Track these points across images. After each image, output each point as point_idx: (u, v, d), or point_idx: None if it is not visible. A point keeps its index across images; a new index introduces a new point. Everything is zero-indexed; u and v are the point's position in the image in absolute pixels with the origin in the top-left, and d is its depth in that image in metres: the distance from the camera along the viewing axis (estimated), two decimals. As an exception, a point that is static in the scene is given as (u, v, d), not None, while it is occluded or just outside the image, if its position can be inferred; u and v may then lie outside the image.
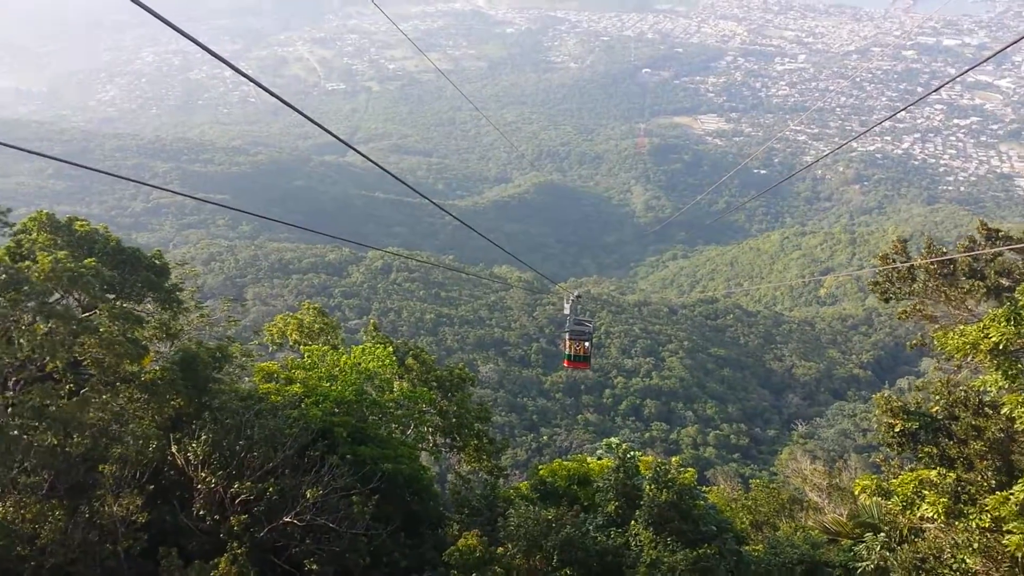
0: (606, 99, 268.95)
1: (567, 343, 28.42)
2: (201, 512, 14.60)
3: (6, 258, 16.26)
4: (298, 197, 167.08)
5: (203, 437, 15.07)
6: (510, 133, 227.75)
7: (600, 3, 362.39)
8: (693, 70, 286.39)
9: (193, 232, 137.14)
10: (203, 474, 14.85)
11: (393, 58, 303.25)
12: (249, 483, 14.70)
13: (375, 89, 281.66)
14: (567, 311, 29.12)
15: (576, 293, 31.37)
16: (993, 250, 21.25)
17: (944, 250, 23.57)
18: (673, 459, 25.62)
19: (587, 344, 28.49)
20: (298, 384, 21.51)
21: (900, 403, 19.67)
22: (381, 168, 12.92)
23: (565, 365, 30.40)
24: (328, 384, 22.45)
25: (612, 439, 24.76)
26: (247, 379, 22.82)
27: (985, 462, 17.51)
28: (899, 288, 23.88)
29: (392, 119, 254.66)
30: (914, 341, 24.57)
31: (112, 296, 17.05)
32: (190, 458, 15.00)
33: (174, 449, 15.40)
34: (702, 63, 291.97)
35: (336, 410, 20.82)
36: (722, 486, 36.12)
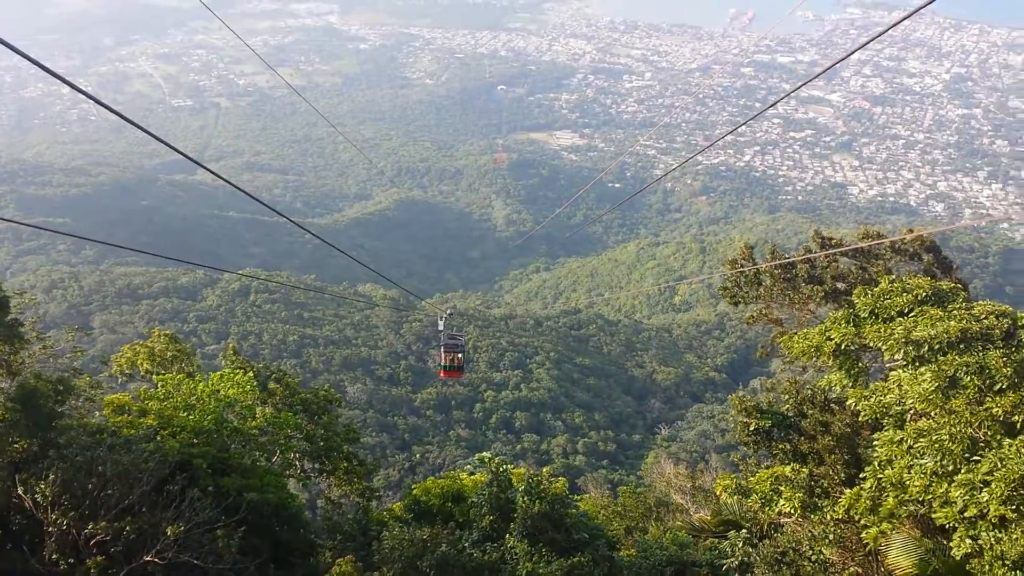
0: (463, 115, 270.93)
1: (442, 355, 30.86)
2: (54, 556, 13.67)
3: None
4: (145, 218, 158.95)
5: (51, 477, 14.10)
6: (368, 149, 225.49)
7: (453, 21, 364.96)
8: (547, 87, 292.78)
9: (32, 258, 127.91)
10: (53, 515, 13.88)
11: (243, 73, 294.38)
12: (104, 523, 13.85)
13: (225, 105, 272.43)
14: (441, 327, 31.98)
15: (448, 311, 33.76)
16: (826, 253, 22.74)
17: (786, 256, 25.00)
18: (544, 469, 26.02)
19: (460, 355, 31.06)
20: (152, 415, 20.46)
21: (753, 403, 20.68)
22: (234, 186, 12.51)
23: (441, 375, 33.56)
24: (185, 414, 21.46)
25: (484, 453, 24.90)
26: (97, 413, 21.51)
27: (834, 456, 18.63)
28: (747, 292, 25.14)
29: (244, 136, 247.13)
30: (760, 352, 25.91)
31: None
32: (38, 500, 14.00)
33: (20, 491, 14.33)
34: (555, 80, 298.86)
35: (195, 441, 19.92)
36: (593, 493, 36.94)
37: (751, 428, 19.56)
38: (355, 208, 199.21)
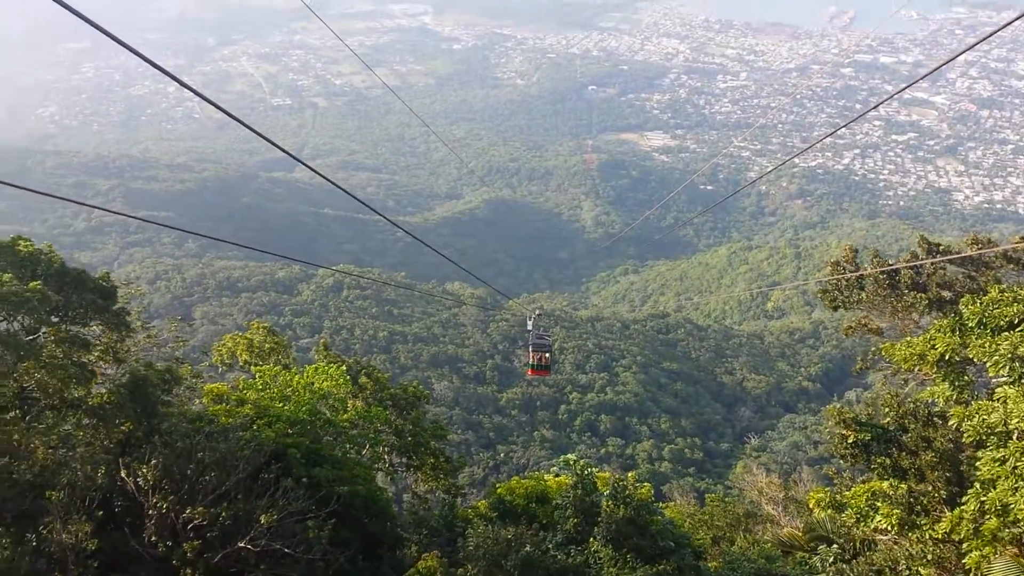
0: (554, 115, 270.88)
1: (530, 354, 31.85)
2: (153, 538, 14.13)
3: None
4: (246, 214, 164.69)
5: (153, 461, 14.59)
6: (459, 149, 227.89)
7: (545, 21, 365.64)
8: (638, 87, 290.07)
9: (138, 250, 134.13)
10: (154, 499, 14.36)
11: (340, 74, 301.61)
12: (201, 508, 14.25)
13: (322, 105, 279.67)
14: (529, 326, 33.31)
15: (537, 311, 34.61)
16: (933, 260, 21.75)
17: (889, 263, 24.06)
18: (629, 474, 25.59)
19: (547, 355, 32.12)
20: (250, 405, 21.01)
21: (852, 414, 19.93)
22: (333, 184, 12.68)
23: (528, 374, 34.39)
24: (281, 405, 21.98)
25: (569, 456, 24.75)
26: (197, 401, 22.26)
27: (936, 473, 17.77)
28: (848, 296, 24.30)
29: (340, 135, 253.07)
30: (860, 364, 24.95)
31: (57, 319, 16.48)
32: (140, 483, 14.51)
33: (124, 474, 14.88)
34: (647, 80, 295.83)
35: (289, 431, 20.35)
36: (678, 501, 36.33)
37: (849, 440, 18.89)
38: (445, 207, 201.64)
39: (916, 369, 17.82)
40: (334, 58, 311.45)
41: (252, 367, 25.74)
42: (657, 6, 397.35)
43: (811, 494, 20.40)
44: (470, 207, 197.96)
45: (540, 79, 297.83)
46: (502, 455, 78.06)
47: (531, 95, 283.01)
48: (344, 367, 25.75)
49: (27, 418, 14.55)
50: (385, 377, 28.97)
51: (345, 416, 24.28)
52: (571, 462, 22.95)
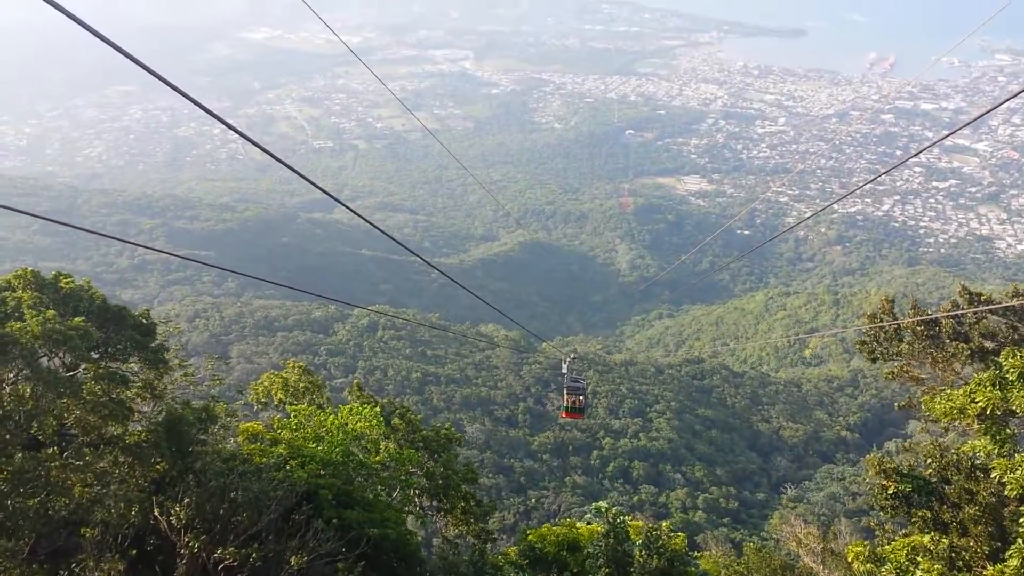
0: (590, 159, 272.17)
1: (565, 397, 33.08)
2: (183, 579, 14.16)
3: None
4: (285, 254, 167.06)
5: (186, 500, 14.69)
6: (496, 191, 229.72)
7: (584, 66, 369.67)
8: (676, 132, 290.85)
9: (178, 289, 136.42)
10: (186, 538, 14.43)
11: (380, 117, 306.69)
12: (233, 548, 14.29)
13: (362, 147, 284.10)
14: (564, 370, 34.70)
15: (572, 355, 35.52)
16: (974, 310, 21.35)
17: (928, 313, 23.70)
18: (663, 524, 25.24)
19: (581, 397, 33.16)
20: (283, 445, 21.11)
21: (892, 464, 19.52)
22: (371, 224, 12.87)
23: (563, 416, 35.30)
24: (314, 445, 22.05)
25: (601, 503, 24.47)
26: (231, 440, 22.40)
27: (979, 527, 17.30)
28: (886, 348, 23.93)
29: (379, 177, 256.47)
30: (902, 403, 24.50)
31: (97, 356, 16.77)
32: (173, 522, 14.58)
33: (157, 513, 14.98)
34: (684, 125, 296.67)
35: (322, 472, 20.40)
36: (713, 551, 35.61)
37: (889, 491, 18.51)
38: (481, 249, 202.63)
39: (957, 422, 17.48)
40: (376, 102, 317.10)
41: (287, 406, 25.90)
42: (695, 52, 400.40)
43: (850, 547, 19.92)
44: (505, 249, 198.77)
45: (578, 123, 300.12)
46: (533, 500, 77.30)
47: (568, 139, 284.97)
48: (378, 408, 25.81)
49: (64, 454, 14.75)
50: (418, 419, 28.95)
51: (377, 458, 24.28)
52: (603, 510, 22.68)
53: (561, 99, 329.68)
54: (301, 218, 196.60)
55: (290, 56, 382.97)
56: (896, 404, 25.42)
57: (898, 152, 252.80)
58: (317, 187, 10.38)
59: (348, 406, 25.31)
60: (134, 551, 14.35)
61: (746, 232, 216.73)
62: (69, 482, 14.17)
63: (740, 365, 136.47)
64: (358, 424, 24.00)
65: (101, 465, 14.97)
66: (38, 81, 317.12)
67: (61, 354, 15.91)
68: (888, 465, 19.38)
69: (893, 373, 24.09)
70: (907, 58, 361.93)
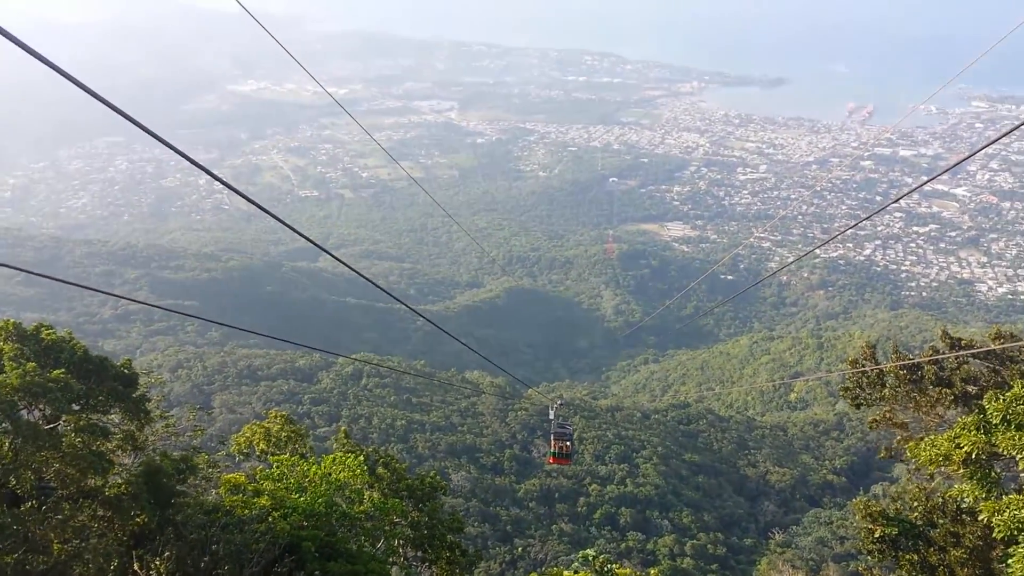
0: (575, 206, 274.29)
1: (552, 442, 33.25)
2: (162, 635, 13.94)
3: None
4: (269, 303, 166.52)
5: (167, 553, 14.53)
6: (481, 239, 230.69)
7: (567, 116, 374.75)
8: (658, 179, 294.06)
9: (161, 339, 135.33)
10: (165, 593, 14.25)
11: (366, 166, 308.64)
12: (213, 603, 14.10)
13: (348, 196, 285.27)
14: (551, 416, 34.88)
15: (559, 401, 36.70)
16: (956, 355, 21.61)
17: (910, 356, 23.92)
18: (651, 571, 24.99)
19: (568, 443, 33.38)
20: (266, 496, 20.91)
21: (879, 508, 19.59)
22: (356, 272, 13.00)
23: (550, 462, 35.83)
24: (297, 496, 21.86)
25: (588, 551, 24.33)
26: (213, 491, 22.18)
27: (966, 570, 17.35)
28: (869, 394, 24.11)
29: (364, 225, 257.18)
30: (883, 452, 24.60)
31: (77, 407, 16.68)
32: (152, 576, 14.41)
33: (137, 567, 14.79)
34: (667, 172, 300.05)
35: (305, 523, 20.18)
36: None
37: (876, 535, 18.58)
38: (466, 295, 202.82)
39: (942, 468, 17.61)
40: (361, 152, 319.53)
41: (269, 457, 25.71)
42: (677, 102, 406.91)
43: (838, 593, 19.92)
44: (490, 296, 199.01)
45: (562, 171, 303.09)
46: (519, 549, 76.31)
47: (553, 187, 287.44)
48: (362, 457, 25.66)
49: (43, 508, 14.58)
50: (403, 467, 28.79)
51: (361, 508, 24.06)
52: (591, 557, 22.54)
53: (545, 148, 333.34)
54: (286, 267, 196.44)
55: (277, 108, 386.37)
56: (878, 454, 25.53)
57: (878, 198, 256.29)
58: (301, 235, 10.55)
59: (331, 456, 25.14)
60: (113, 606, 14.12)
61: (730, 277, 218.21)
62: (48, 537, 13.99)
63: (726, 410, 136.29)
64: (341, 474, 23.83)
65: (80, 519, 14.82)
66: (25, 133, 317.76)
67: (41, 406, 15.81)
68: (875, 509, 19.46)
69: (876, 421, 24.26)
70: (885, 106, 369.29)
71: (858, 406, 24.20)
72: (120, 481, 16.31)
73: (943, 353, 22.04)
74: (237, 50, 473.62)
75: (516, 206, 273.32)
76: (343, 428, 33.54)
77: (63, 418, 16.01)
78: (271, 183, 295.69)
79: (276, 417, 28.38)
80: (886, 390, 23.14)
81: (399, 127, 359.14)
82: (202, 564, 14.65)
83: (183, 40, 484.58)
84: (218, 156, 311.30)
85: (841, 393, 25.07)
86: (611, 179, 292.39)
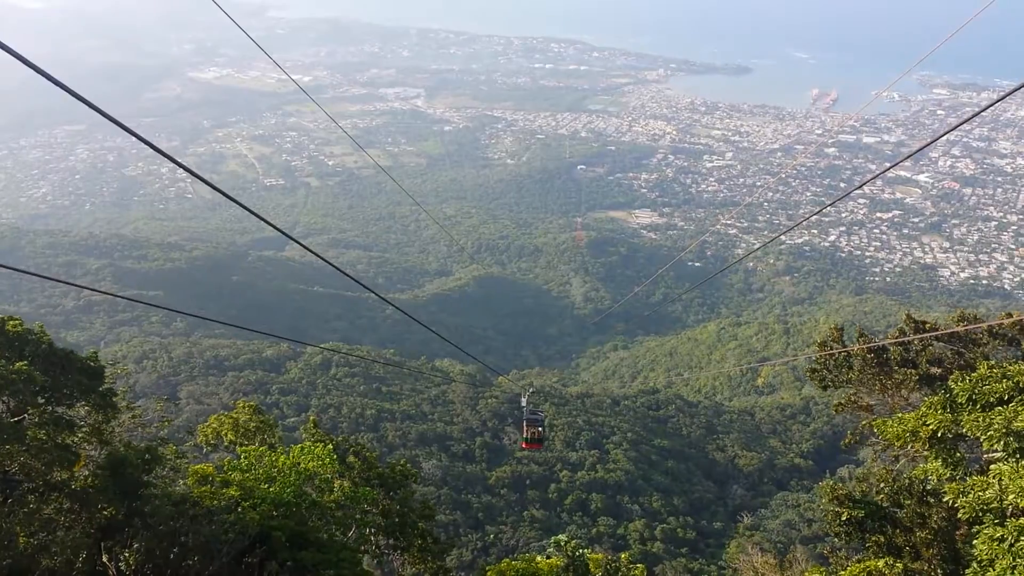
0: (543, 194, 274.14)
1: (524, 428, 34.89)
2: (133, 627, 13.80)
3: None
4: (235, 292, 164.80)
5: (136, 545, 14.37)
6: (450, 227, 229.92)
7: (535, 103, 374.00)
8: (626, 167, 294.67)
9: (125, 330, 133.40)
10: (135, 586, 14.09)
11: (332, 154, 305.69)
12: (184, 594, 13.98)
13: (314, 184, 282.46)
14: (523, 403, 36.34)
15: (531, 389, 38.50)
16: (921, 336, 21.94)
17: (875, 339, 24.28)
18: (622, 555, 25.13)
19: (540, 428, 35.06)
20: (235, 487, 20.73)
21: (845, 491, 19.86)
22: (324, 260, 12.87)
23: (523, 447, 37.63)
24: (266, 486, 21.70)
25: (560, 536, 24.43)
26: (181, 482, 21.96)
27: (931, 550, 17.65)
28: (836, 375, 24.42)
29: (331, 214, 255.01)
30: (849, 438, 24.99)
31: (42, 400, 16.39)
32: (122, 568, 14.25)
33: (105, 559, 14.61)
34: (634, 160, 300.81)
35: (275, 513, 20.05)
36: (671, 581, 35.67)
37: (843, 517, 18.83)
38: (435, 284, 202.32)
39: (908, 446, 17.85)
40: (327, 139, 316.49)
41: (237, 447, 25.47)
42: (644, 90, 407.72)
43: (807, 573, 20.17)
44: (460, 284, 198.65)
45: (530, 159, 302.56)
46: (491, 536, 76.59)
47: (521, 174, 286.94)
48: (331, 446, 25.52)
49: (8, 501, 14.34)
50: (373, 456, 28.69)
51: (332, 497, 23.96)
52: (562, 543, 22.65)
53: (513, 135, 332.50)
54: (252, 256, 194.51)
55: (240, 95, 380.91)
56: (844, 441, 25.90)
57: (842, 184, 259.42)
58: (268, 223, 10.40)
59: (300, 445, 24.97)
60: (81, 600, 13.95)
61: (697, 264, 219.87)
62: (13, 531, 13.77)
63: (695, 395, 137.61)
64: (311, 463, 23.68)
65: (47, 512, 14.60)
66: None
67: (5, 399, 15.53)
68: (841, 492, 19.71)
69: (842, 404, 24.59)
70: (849, 93, 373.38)
71: (825, 388, 24.53)
72: (87, 473, 16.10)
73: (909, 335, 22.40)
74: (199, 36, 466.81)
75: (484, 194, 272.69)
76: (312, 418, 33.29)
77: (28, 411, 15.74)
78: (235, 171, 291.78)
79: (244, 407, 28.11)
80: (853, 372, 23.47)
81: (365, 114, 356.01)
82: (171, 555, 14.51)
83: (145, 26, 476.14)
84: (180, 144, 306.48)
85: (808, 375, 25.40)
86: (579, 167, 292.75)
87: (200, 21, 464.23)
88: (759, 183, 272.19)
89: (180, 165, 8.04)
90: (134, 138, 7.38)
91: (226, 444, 27.00)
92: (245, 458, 23.46)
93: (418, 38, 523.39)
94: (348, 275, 14.07)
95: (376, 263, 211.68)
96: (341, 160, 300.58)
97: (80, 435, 17.03)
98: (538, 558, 26.69)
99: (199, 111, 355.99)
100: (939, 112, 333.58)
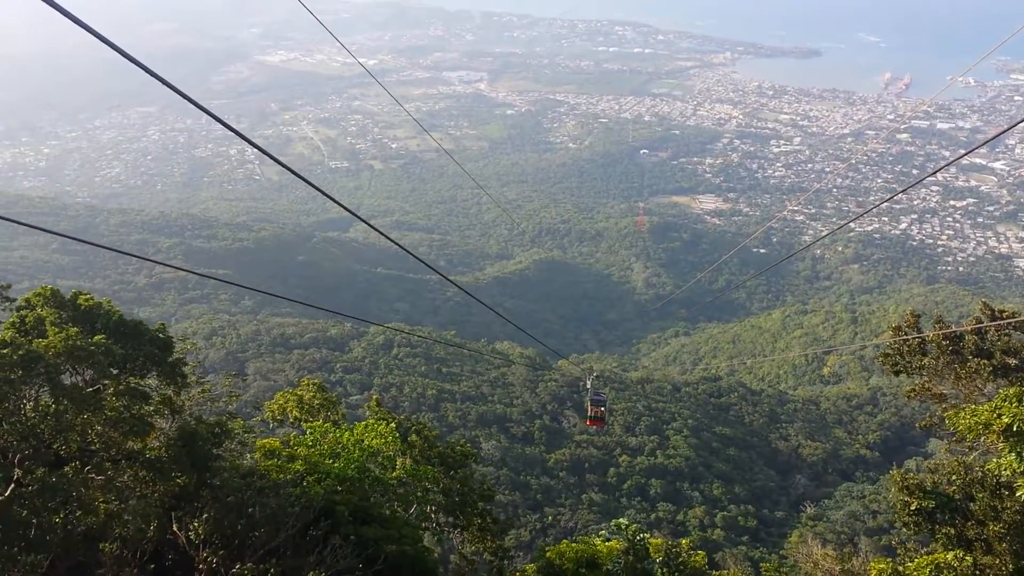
0: (605, 178, 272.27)
1: (589, 407, 37.62)
2: (201, 594, 14.13)
3: (13, 334, 16.05)
4: (300, 272, 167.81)
5: (205, 515, 14.68)
6: (511, 210, 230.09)
7: (598, 87, 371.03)
8: (690, 151, 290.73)
9: (195, 307, 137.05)
10: (204, 554, 14.43)
11: (396, 137, 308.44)
12: (251, 564, 14.26)
13: (378, 167, 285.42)
14: (588, 384, 39.09)
15: (595, 372, 41.21)
16: (999, 323, 21.16)
17: (952, 327, 23.53)
18: (682, 541, 24.90)
19: (603, 408, 37.70)
20: (300, 461, 21.10)
21: (916, 481, 19.32)
22: (392, 241, 12.88)
23: (587, 424, 41.08)
24: (331, 461, 22.03)
25: (620, 520, 24.29)
26: (248, 456, 22.44)
27: (1003, 544, 17.06)
28: (910, 362, 23.75)
29: (394, 196, 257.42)
30: (924, 421, 24.29)
31: (117, 372, 16.85)
32: (191, 537, 14.58)
33: (175, 528, 14.98)
34: (699, 145, 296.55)
35: (339, 488, 20.36)
36: (732, 570, 35.26)
37: (912, 508, 18.31)
38: (496, 267, 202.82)
39: (981, 438, 17.28)
40: (391, 123, 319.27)
41: (303, 423, 25.92)
42: (710, 73, 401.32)
43: (872, 564, 19.68)
44: (520, 267, 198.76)
45: (592, 143, 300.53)
46: (550, 518, 76.78)
47: (583, 158, 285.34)
48: (394, 424, 25.78)
49: (86, 470, 14.79)
50: (434, 434, 28.91)
51: (394, 474, 24.21)
52: (623, 527, 22.51)
53: (575, 119, 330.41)
54: (317, 237, 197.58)
55: (306, 78, 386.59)
56: (918, 423, 25.24)
57: (914, 171, 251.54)
58: (339, 204, 10.44)
59: (364, 422, 25.28)
60: (152, 566, 14.36)
61: (762, 250, 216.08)
62: (91, 497, 14.20)
63: (758, 383, 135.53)
64: (374, 440, 23.96)
65: (122, 480, 15.01)
66: (60, 104, 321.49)
67: (83, 370, 15.99)
68: (911, 481, 19.20)
69: (915, 390, 23.94)
70: (923, 78, 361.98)
71: (897, 374, 23.91)
72: (159, 444, 16.52)
73: (986, 323, 21.64)
74: (266, 20, 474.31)
75: (546, 178, 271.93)
76: (375, 396, 33.71)
77: (104, 382, 16.18)
78: (302, 153, 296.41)
79: (308, 385, 28.59)
80: (927, 359, 22.80)
81: (428, 98, 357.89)
82: (239, 526, 14.80)
83: (213, 10, 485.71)
84: (248, 126, 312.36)
85: (880, 360, 24.72)
86: (642, 151, 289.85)
87: (267, 5, 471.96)
88: (828, 169, 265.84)
89: (256, 146, 8.09)
90: (203, 120, 7.46)
91: (291, 420, 27.52)
92: (311, 434, 23.88)
93: (481, 21, 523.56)
94: (418, 257, 14.12)
95: (438, 245, 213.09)
96: (404, 143, 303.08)
97: (153, 406, 17.47)
98: (597, 541, 26.61)
99: (267, 94, 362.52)
100: (1016, 98, 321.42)
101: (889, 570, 19.39)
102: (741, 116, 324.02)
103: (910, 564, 17.61)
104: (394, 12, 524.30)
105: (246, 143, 8.19)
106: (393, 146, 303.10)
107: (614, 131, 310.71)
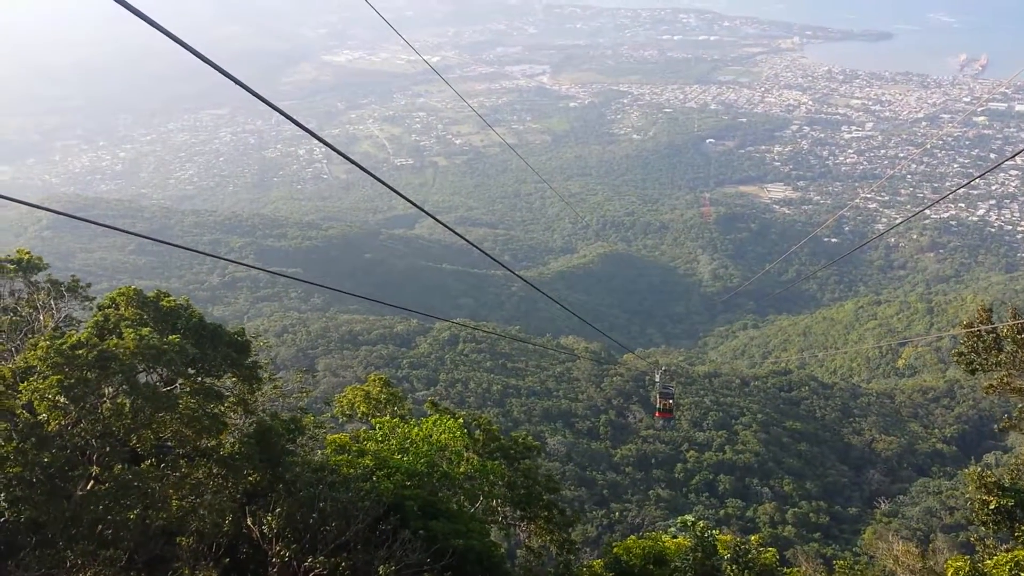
0: (670, 169, 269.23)
1: (657, 399, 39.13)
2: (275, 587, 14.55)
3: (90, 333, 16.72)
4: (367, 269, 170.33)
5: (277, 510, 15.11)
6: (575, 204, 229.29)
7: (662, 76, 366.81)
8: (758, 139, 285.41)
9: (267, 305, 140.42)
10: (277, 547, 14.84)
11: (459, 133, 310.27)
12: (323, 557, 14.63)
13: (442, 164, 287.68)
14: (657, 378, 40.57)
15: (664, 367, 43.75)
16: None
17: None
18: (752, 538, 24.62)
19: (671, 401, 39.16)
20: (370, 456, 21.51)
21: (994, 478, 18.80)
22: (460, 236, 13.09)
23: (655, 416, 43.18)
24: (400, 456, 22.40)
25: (688, 516, 24.11)
26: (319, 451, 22.94)
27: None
28: (984, 359, 23.03)
29: (458, 192, 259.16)
30: (1003, 423, 23.52)
31: (192, 371, 17.42)
32: (265, 531, 15.01)
33: (249, 522, 15.45)
34: (767, 132, 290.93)
35: (408, 483, 20.69)
36: (804, 567, 34.65)
37: (991, 506, 17.83)
38: (560, 261, 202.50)
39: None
40: (454, 119, 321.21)
41: (372, 419, 26.37)
42: (777, 59, 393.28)
43: (949, 562, 19.20)
44: (584, 261, 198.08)
45: (656, 133, 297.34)
46: (616, 513, 76.50)
47: (647, 149, 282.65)
48: (460, 420, 26.05)
49: (162, 466, 15.35)
50: (496, 429, 29.09)
51: (461, 469, 24.49)
52: (690, 523, 22.35)
53: (639, 110, 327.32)
54: (383, 234, 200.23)
55: (371, 77, 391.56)
56: (996, 426, 24.53)
57: (992, 155, 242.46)
58: (408, 200, 10.69)
59: (431, 418, 25.61)
60: (227, 559, 14.83)
61: (834, 240, 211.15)
62: (166, 494, 14.73)
63: (830, 376, 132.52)
64: (442, 436, 24.28)
65: (196, 476, 15.53)
66: (134, 108, 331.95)
67: (159, 369, 16.57)
68: (989, 479, 18.71)
69: (993, 386, 23.20)
70: (1000, 58, 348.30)
71: (972, 372, 23.18)
72: (233, 441, 17.06)
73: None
74: (331, 20, 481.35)
75: (610, 170, 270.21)
76: (431, 398, 34.31)
77: (179, 381, 16.76)
78: (368, 152, 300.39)
79: (375, 380, 29.05)
80: (1003, 355, 22.07)
81: (491, 93, 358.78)
82: (311, 520, 15.19)
83: (281, 11, 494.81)
84: (316, 126, 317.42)
85: (954, 358, 23.99)
86: (708, 140, 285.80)
87: (332, 4, 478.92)
88: (902, 155, 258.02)
89: (330, 146, 8.36)
90: (272, 121, 7.69)
91: (359, 416, 28.02)
92: (380, 429, 24.31)
93: (543, 14, 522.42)
94: (485, 252, 14.33)
95: (502, 240, 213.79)
96: (468, 139, 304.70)
97: (227, 405, 18.02)
98: (664, 537, 26.47)
99: (333, 93, 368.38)
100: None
101: (967, 568, 18.88)
102: (810, 102, 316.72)
103: (989, 562, 17.19)
104: (456, 8, 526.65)
105: (314, 143, 8.44)
106: (457, 142, 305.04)
107: (679, 121, 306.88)
